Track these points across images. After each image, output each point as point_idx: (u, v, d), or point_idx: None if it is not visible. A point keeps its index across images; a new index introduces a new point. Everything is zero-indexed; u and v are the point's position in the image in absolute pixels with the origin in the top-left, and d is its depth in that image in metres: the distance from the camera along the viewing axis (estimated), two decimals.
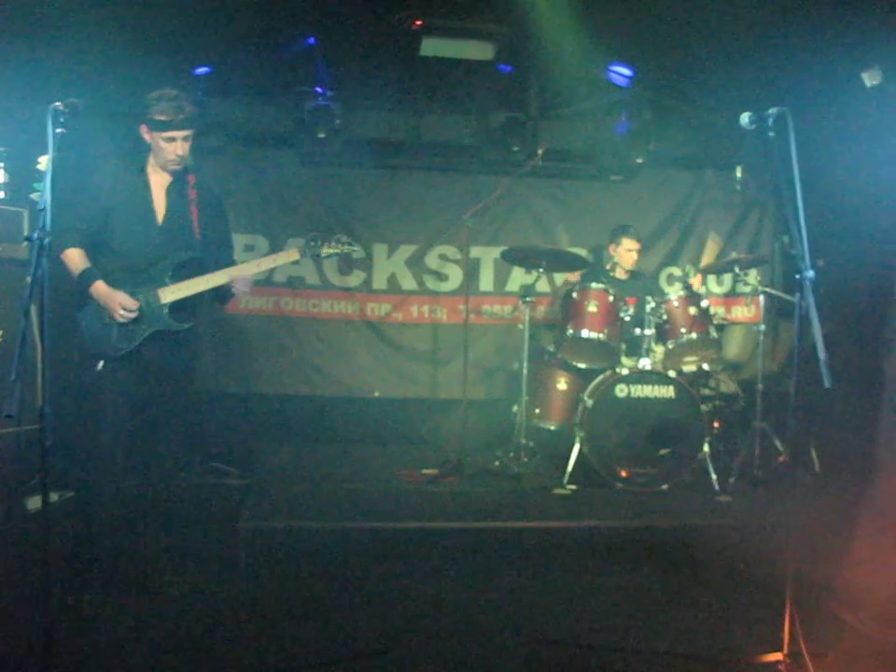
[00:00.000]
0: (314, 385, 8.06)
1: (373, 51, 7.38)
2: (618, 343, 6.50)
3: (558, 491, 6.16)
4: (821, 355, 3.62)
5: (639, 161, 8.06)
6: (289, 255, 4.85)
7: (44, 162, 3.69)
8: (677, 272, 8.46)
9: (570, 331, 6.44)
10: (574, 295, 6.53)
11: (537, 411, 6.72)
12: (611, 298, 6.47)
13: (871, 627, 4.12)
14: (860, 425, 4.49)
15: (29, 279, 3.35)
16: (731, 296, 8.55)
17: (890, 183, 6.15)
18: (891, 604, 4.16)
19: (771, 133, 3.84)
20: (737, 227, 8.60)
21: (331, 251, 4.85)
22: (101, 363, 4.43)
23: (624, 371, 6.35)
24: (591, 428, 6.25)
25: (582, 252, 7.84)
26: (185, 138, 4.43)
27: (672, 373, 6.39)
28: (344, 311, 8.10)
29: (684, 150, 8.41)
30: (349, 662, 4.02)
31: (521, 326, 6.68)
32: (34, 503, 5.67)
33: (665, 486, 6.22)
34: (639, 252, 7.24)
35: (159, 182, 4.55)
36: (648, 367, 6.39)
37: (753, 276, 7.77)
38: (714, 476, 6.27)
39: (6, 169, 6.13)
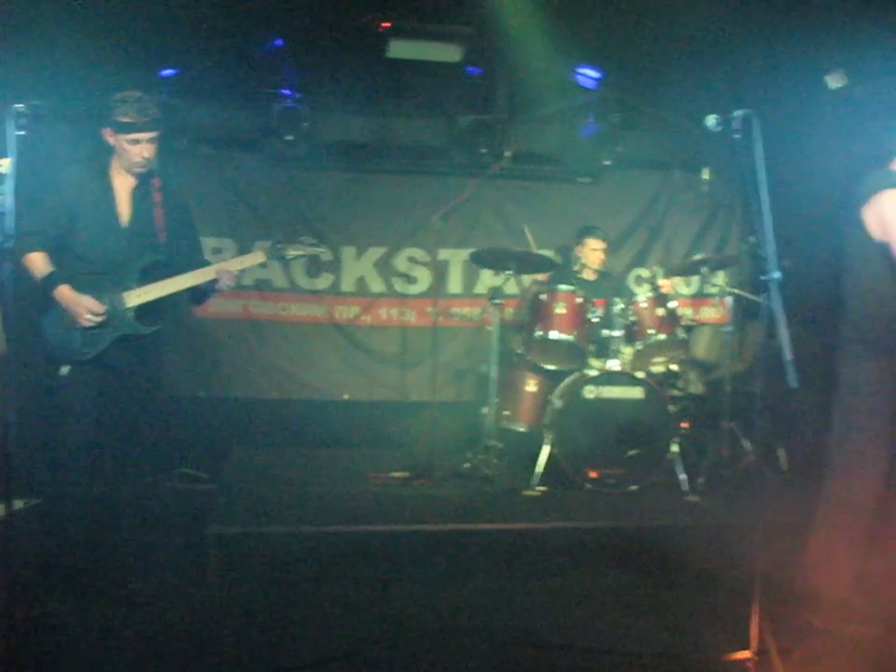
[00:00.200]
0: (282, 389, 8.04)
1: (341, 53, 7.36)
2: (586, 344, 6.51)
3: (527, 492, 6.16)
4: (787, 355, 3.64)
5: (607, 162, 8.10)
6: (255, 257, 4.82)
7: (5, 165, 3.64)
8: (645, 273, 8.50)
9: (539, 333, 6.45)
10: (542, 297, 6.54)
11: (506, 413, 6.72)
12: (579, 299, 6.48)
13: (833, 625, 4.14)
14: (827, 424, 4.52)
15: None
16: (699, 297, 8.60)
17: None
18: (850, 602, 4.19)
19: (737, 135, 3.86)
20: (705, 228, 8.66)
21: (297, 253, 4.83)
22: (66, 368, 4.39)
23: (593, 373, 6.36)
24: (560, 430, 6.25)
25: (550, 254, 7.84)
26: (149, 140, 4.39)
27: (640, 374, 6.41)
28: (313, 314, 8.08)
29: (651, 152, 8.47)
30: (320, 666, 4.00)
31: (490, 328, 6.67)
32: None
33: (634, 487, 6.23)
34: (605, 252, 7.26)
35: (123, 185, 4.51)
36: (616, 368, 6.41)
37: (721, 277, 7.84)
38: (683, 476, 6.30)
39: None
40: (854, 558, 4.23)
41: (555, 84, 7.60)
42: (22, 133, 3.48)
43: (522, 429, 6.72)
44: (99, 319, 4.34)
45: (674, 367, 6.91)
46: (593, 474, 6.22)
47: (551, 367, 6.63)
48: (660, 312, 6.50)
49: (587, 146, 8.06)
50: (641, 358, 6.57)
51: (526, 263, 6.81)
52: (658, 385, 6.49)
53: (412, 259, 8.23)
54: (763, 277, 3.81)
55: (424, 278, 8.22)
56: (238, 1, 6.53)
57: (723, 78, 7.05)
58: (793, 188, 6.71)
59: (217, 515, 5.40)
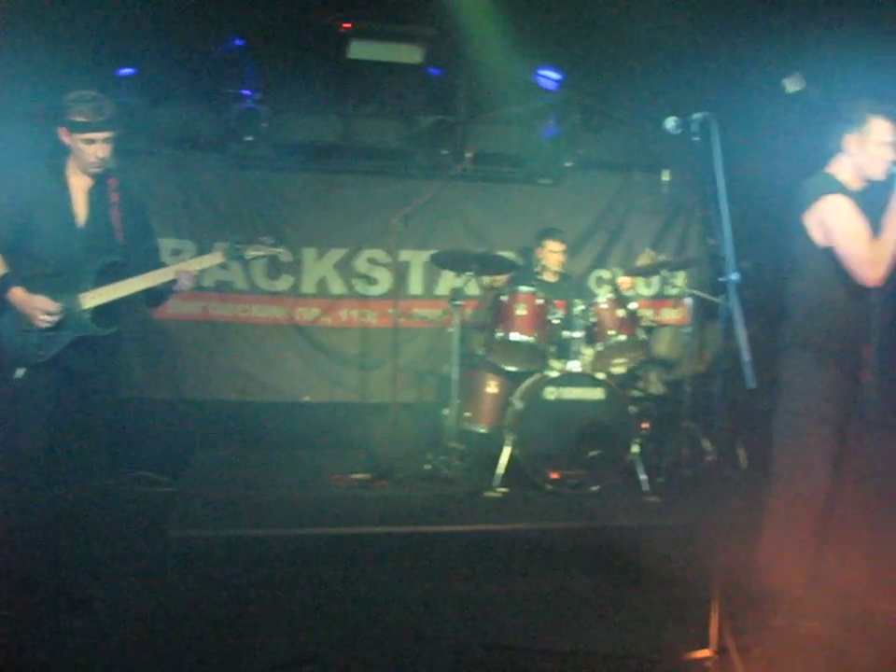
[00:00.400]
0: (243, 391, 7.99)
1: (302, 54, 7.33)
2: (547, 345, 6.52)
3: (489, 494, 6.17)
4: (745, 356, 3.67)
5: (568, 164, 8.14)
6: (214, 258, 4.78)
7: None
8: (606, 274, 8.54)
9: (499, 334, 6.46)
10: (503, 298, 6.55)
11: (467, 414, 6.72)
12: (540, 301, 6.50)
13: (791, 623, 4.18)
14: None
15: None
16: (659, 298, 8.65)
17: None
18: (805, 600, 4.23)
19: (696, 138, 3.88)
20: (665, 230, 8.71)
21: (257, 253, 4.81)
22: (21, 371, 4.33)
23: (554, 374, 6.38)
24: (521, 431, 6.26)
25: (511, 255, 7.86)
26: (105, 140, 4.34)
27: (601, 375, 6.43)
28: (273, 315, 8.04)
29: (612, 154, 8.51)
30: (282, 670, 3.98)
31: (451, 329, 6.68)
32: None
33: (595, 488, 6.26)
34: (564, 254, 7.28)
35: (79, 185, 4.45)
36: (577, 369, 6.43)
37: (681, 279, 7.89)
38: (643, 477, 6.34)
39: None
40: (805, 559, 4.26)
41: (516, 86, 7.60)
42: None
43: (483, 431, 6.73)
44: (54, 320, 4.28)
45: (634, 368, 6.94)
46: (554, 475, 6.23)
47: (512, 368, 6.65)
48: (620, 313, 6.53)
49: (548, 147, 8.09)
50: (602, 359, 6.59)
51: (487, 265, 6.82)
52: (618, 385, 6.52)
53: (372, 261, 8.21)
54: (721, 279, 3.84)
55: (384, 279, 8.21)
56: (198, 0, 6.48)
57: (683, 81, 7.09)
58: (753, 190, 6.77)
59: (177, 518, 5.37)
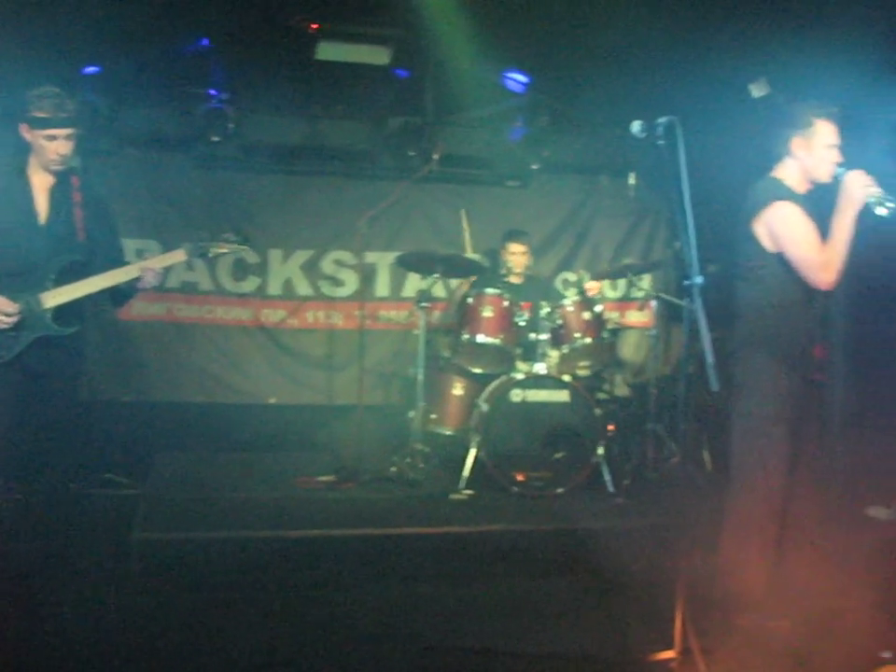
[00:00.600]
0: (208, 393, 7.94)
1: (269, 54, 7.28)
2: (513, 347, 6.52)
3: (454, 496, 6.16)
4: (709, 359, 3.70)
5: (535, 167, 8.17)
6: (176, 255, 4.74)
7: None
8: (572, 277, 8.57)
9: (466, 337, 6.45)
10: (469, 300, 6.55)
11: (433, 416, 6.71)
12: (506, 303, 6.50)
13: (753, 623, 4.20)
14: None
15: None
16: (625, 301, 8.70)
17: None
18: (767, 600, 4.26)
19: (661, 142, 3.91)
20: (631, 233, 8.76)
21: (220, 251, 4.78)
22: None
23: (520, 376, 6.38)
24: (487, 433, 6.26)
25: (477, 257, 7.86)
26: (67, 137, 4.30)
27: (567, 378, 6.44)
28: (239, 317, 8.00)
29: (579, 157, 8.54)
30: None
31: (417, 331, 6.67)
32: None
33: (560, 490, 6.26)
34: (527, 255, 7.28)
35: (40, 183, 4.40)
36: (543, 371, 6.43)
37: (647, 281, 7.91)
38: (609, 478, 6.35)
39: None
40: (766, 559, 4.29)
41: (484, 88, 7.60)
42: None
43: (448, 433, 6.73)
44: (12, 320, 4.23)
45: (600, 370, 6.96)
46: (519, 477, 6.24)
47: (478, 370, 6.65)
48: (586, 315, 6.54)
49: (515, 150, 8.11)
50: (567, 362, 6.60)
51: (453, 267, 6.82)
52: (584, 388, 6.53)
53: (338, 262, 8.20)
54: (686, 282, 3.86)
55: (351, 281, 8.19)
56: None
57: (650, 85, 7.11)
58: (719, 193, 6.80)
59: (141, 521, 5.31)
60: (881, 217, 4.04)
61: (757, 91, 6.84)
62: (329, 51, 7.21)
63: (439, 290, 8.09)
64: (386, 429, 7.44)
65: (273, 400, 8.04)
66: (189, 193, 7.82)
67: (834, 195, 4.21)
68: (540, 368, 6.44)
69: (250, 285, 8.04)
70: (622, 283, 8.61)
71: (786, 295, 4.29)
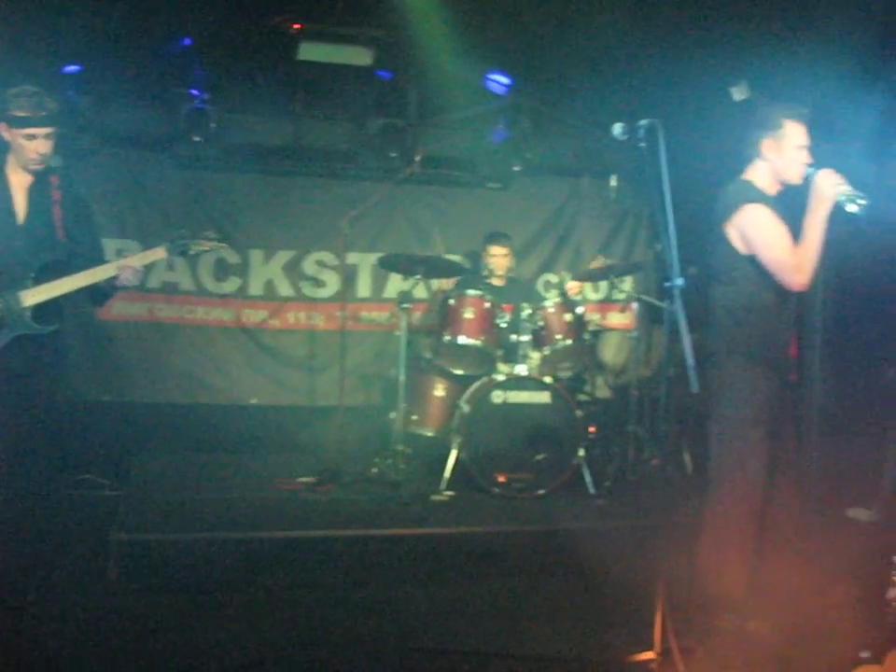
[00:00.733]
0: (189, 393, 7.91)
1: (251, 55, 7.28)
2: (494, 349, 6.53)
3: (436, 497, 6.16)
4: (689, 361, 3.71)
5: (516, 169, 8.17)
6: (155, 253, 4.73)
7: None
8: (554, 278, 8.59)
9: (447, 338, 6.46)
10: (451, 302, 6.55)
11: (414, 417, 6.70)
12: (487, 304, 6.50)
13: (733, 624, 4.22)
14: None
15: None
16: (606, 302, 8.72)
17: None
18: (746, 601, 4.27)
19: (642, 144, 3.92)
20: (613, 235, 8.78)
21: (200, 248, 4.77)
22: None
23: (501, 378, 6.39)
24: (468, 434, 6.26)
25: (459, 259, 7.86)
26: (46, 136, 4.28)
27: (548, 379, 6.45)
28: (220, 317, 7.97)
29: (561, 159, 8.55)
30: None
31: (398, 332, 6.66)
32: None
33: (541, 491, 6.27)
34: (508, 257, 7.28)
35: (19, 182, 4.38)
36: (524, 373, 6.44)
37: (628, 283, 7.94)
38: (590, 480, 6.36)
39: None
40: (745, 560, 4.29)
41: (466, 90, 7.62)
42: None
43: (430, 434, 6.72)
44: None
45: (581, 372, 6.98)
46: (501, 478, 6.24)
47: (459, 371, 6.64)
48: (567, 317, 6.55)
49: (497, 151, 8.13)
50: (549, 363, 6.60)
51: (435, 268, 6.82)
52: (565, 389, 6.54)
53: (320, 263, 8.18)
54: (666, 283, 3.87)
55: (332, 282, 8.18)
56: None
57: (631, 88, 7.15)
58: (700, 196, 6.82)
59: (120, 522, 5.28)
60: (854, 215, 4.07)
61: (738, 94, 6.88)
62: (311, 52, 7.20)
63: (420, 291, 8.09)
64: (367, 430, 7.43)
65: (253, 401, 8.02)
66: (171, 193, 7.78)
67: (806, 196, 4.23)
68: (522, 369, 6.45)
69: (231, 285, 8.02)
70: (603, 285, 8.62)
71: (759, 297, 4.30)
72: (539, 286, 8.48)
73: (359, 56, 7.28)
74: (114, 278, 4.48)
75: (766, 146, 4.32)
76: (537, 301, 6.77)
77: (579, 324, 6.59)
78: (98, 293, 4.57)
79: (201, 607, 4.66)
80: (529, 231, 8.57)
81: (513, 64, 7.57)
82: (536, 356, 6.57)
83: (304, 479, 6.42)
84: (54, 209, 4.40)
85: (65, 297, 4.40)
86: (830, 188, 4.11)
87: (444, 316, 6.57)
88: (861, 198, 4.05)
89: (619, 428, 7.03)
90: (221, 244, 4.85)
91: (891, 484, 5.90)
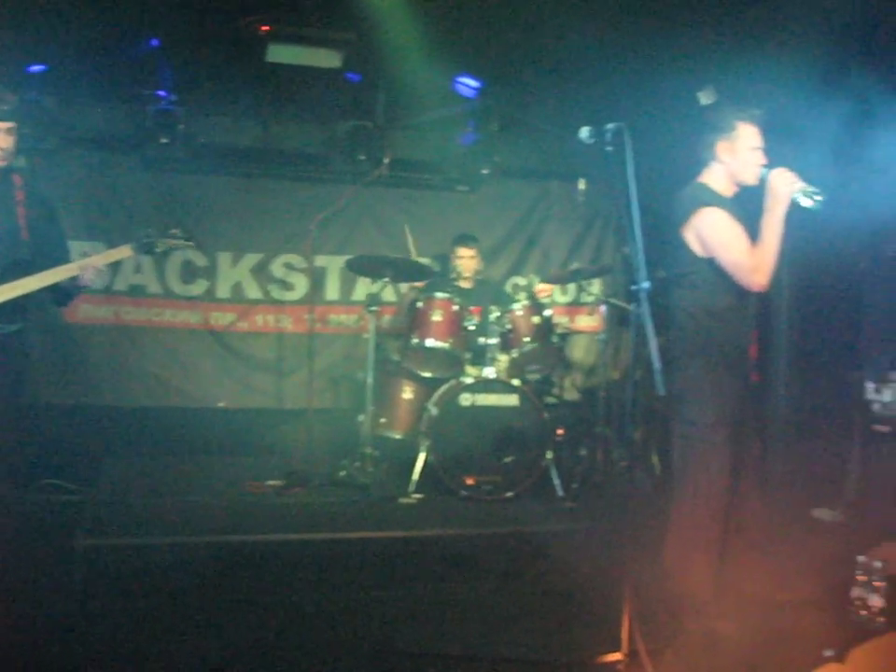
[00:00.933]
0: (156, 397, 7.85)
1: (219, 56, 7.24)
2: (462, 351, 6.53)
3: (404, 500, 6.17)
4: (656, 363, 3.73)
5: (485, 171, 8.17)
6: (121, 251, 4.70)
7: None
8: (522, 281, 8.61)
9: (415, 340, 6.46)
10: (419, 304, 6.55)
11: (382, 420, 6.70)
12: (456, 307, 6.51)
13: (700, 624, 4.24)
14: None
15: None
16: (575, 305, 8.74)
17: None
18: (713, 602, 4.30)
19: (609, 147, 3.93)
20: (581, 238, 8.81)
21: (166, 246, 4.75)
22: None
23: (469, 380, 6.40)
24: (436, 437, 6.27)
25: (427, 261, 7.86)
26: (7, 131, 4.23)
27: (516, 382, 6.46)
28: (187, 320, 7.92)
29: (529, 162, 8.57)
30: None
31: (366, 335, 6.66)
32: None
33: (509, 494, 6.28)
34: (476, 260, 7.30)
35: None
36: (492, 375, 6.45)
37: (596, 286, 7.97)
38: (558, 482, 6.38)
39: None
40: (710, 562, 4.31)
41: (435, 92, 7.61)
42: None
43: (398, 437, 6.72)
44: None
45: (549, 374, 7.00)
46: (469, 481, 6.25)
47: (427, 374, 6.65)
48: (535, 320, 6.57)
49: (466, 154, 8.13)
50: (517, 366, 6.62)
51: (403, 271, 6.81)
52: (533, 392, 6.56)
53: (288, 266, 8.15)
54: (633, 287, 3.89)
55: (301, 285, 8.15)
56: None
57: (599, 91, 7.18)
58: (667, 199, 6.86)
59: (86, 527, 5.25)
60: (811, 210, 4.10)
61: (705, 98, 6.93)
62: (280, 54, 7.17)
63: (389, 294, 8.08)
64: (336, 433, 7.42)
65: (222, 404, 7.97)
66: (138, 195, 7.73)
67: (762, 197, 4.26)
68: (490, 372, 6.46)
69: (199, 288, 7.97)
70: (571, 287, 8.65)
71: (719, 300, 4.32)
72: (508, 288, 8.49)
73: (328, 58, 7.26)
74: (76, 278, 4.44)
75: (721, 148, 4.35)
76: (505, 303, 6.79)
77: (547, 326, 6.61)
78: (61, 293, 4.53)
79: (168, 612, 4.63)
80: (498, 233, 8.58)
81: (482, 68, 7.58)
82: (504, 358, 6.58)
83: (273, 482, 6.40)
84: (17, 209, 4.35)
85: (29, 297, 4.36)
86: (784, 186, 4.15)
87: (412, 319, 6.58)
88: (817, 193, 4.08)
89: (587, 430, 7.06)
90: (188, 242, 4.83)
91: (855, 485, 5.96)
